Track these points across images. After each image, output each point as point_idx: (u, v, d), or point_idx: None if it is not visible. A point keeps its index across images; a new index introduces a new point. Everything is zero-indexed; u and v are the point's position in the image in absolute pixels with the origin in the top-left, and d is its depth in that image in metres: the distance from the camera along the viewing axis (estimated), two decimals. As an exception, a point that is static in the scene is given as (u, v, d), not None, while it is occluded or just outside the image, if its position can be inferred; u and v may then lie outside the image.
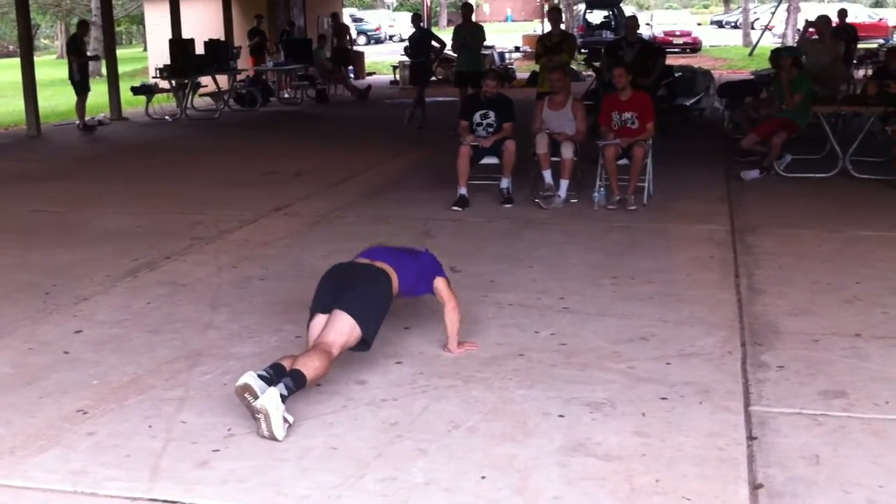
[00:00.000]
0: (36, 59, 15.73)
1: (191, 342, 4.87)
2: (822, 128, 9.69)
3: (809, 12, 22.84)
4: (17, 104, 16.23)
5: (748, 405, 3.97)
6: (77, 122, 15.03)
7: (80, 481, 3.42)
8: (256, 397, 3.70)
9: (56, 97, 20.23)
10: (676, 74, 14.53)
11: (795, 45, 17.49)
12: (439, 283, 4.64)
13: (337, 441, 3.70)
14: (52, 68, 31.24)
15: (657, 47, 14.39)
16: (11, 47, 49.61)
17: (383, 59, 29.25)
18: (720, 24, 47.20)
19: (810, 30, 13.43)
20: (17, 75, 15.32)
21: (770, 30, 32.53)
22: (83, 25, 16.18)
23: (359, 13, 44.11)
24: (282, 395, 3.73)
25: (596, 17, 33.21)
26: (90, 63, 15.75)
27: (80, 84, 14.76)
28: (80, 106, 14.84)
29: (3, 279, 6.16)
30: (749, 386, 4.17)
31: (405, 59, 17.45)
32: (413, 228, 7.40)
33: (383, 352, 4.63)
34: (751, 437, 3.68)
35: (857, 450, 3.58)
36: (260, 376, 3.82)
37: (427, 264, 4.70)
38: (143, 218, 8.00)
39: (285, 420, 3.73)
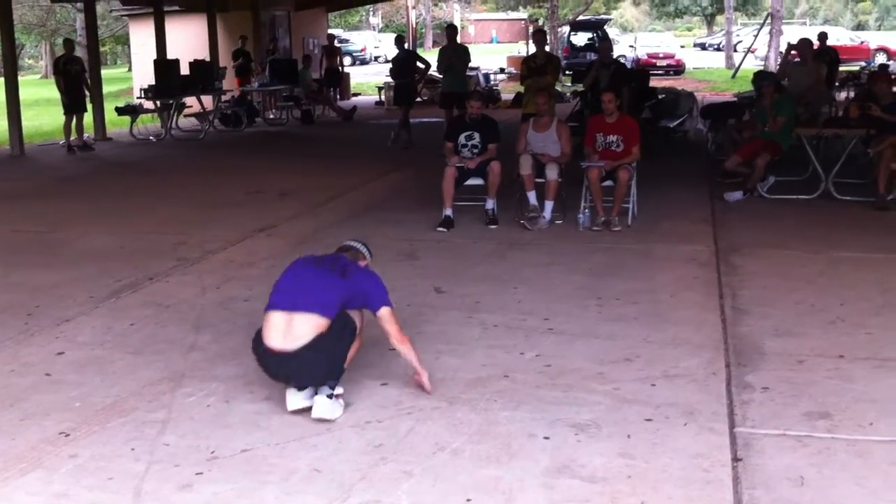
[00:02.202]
0: (20, 78, 15.67)
1: (174, 364, 4.84)
2: (804, 150, 9.76)
3: (791, 35, 23.06)
4: (1, 124, 16.17)
5: (733, 426, 3.98)
6: (61, 141, 14.99)
7: (62, 504, 3.39)
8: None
9: (40, 117, 20.19)
10: (660, 96, 14.63)
11: (778, 67, 17.64)
12: (383, 314, 4.27)
13: (321, 463, 3.68)
14: (36, 88, 31.18)
15: (632, 69, 14.45)
16: (-5, 67, 49.46)
17: (368, 80, 29.32)
18: (703, 47, 47.58)
19: (792, 52, 13.54)
20: (0, 95, 15.27)
21: (753, 52, 32.80)
22: (67, 44, 16.11)
23: (344, 34, 44.23)
24: (328, 396, 4.09)
25: (580, 39, 33.45)
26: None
27: (66, 104, 14.68)
28: (66, 126, 14.78)
29: (-15, 300, 6.12)
30: (734, 407, 4.18)
31: (390, 80, 17.48)
32: (398, 249, 7.40)
33: (368, 373, 4.61)
34: (736, 459, 3.68)
35: (842, 471, 3.59)
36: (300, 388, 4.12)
37: (364, 284, 4.28)
38: (127, 238, 7.97)
39: (336, 396, 4.14)
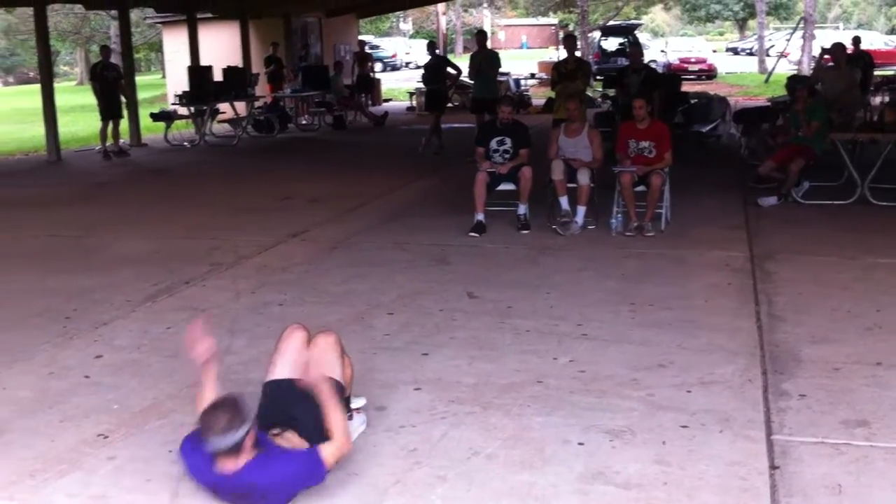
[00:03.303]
0: (56, 85, 15.86)
1: (210, 367, 4.87)
2: (839, 155, 9.67)
3: (825, 39, 22.88)
4: (38, 130, 16.38)
5: (770, 434, 3.95)
6: (97, 147, 15.17)
7: (101, 506, 3.43)
8: None
9: (75, 123, 20.43)
10: (692, 101, 14.55)
11: (811, 72, 17.49)
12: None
13: (356, 467, 3.69)
14: (71, 94, 31.55)
15: (663, 74, 14.36)
16: (31, 74, 50.17)
17: (400, 86, 29.41)
18: (735, 51, 47.27)
19: (826, 57, 13.44)
20: (37, 101, 15.48)
21: (786, 57, 32.56)
22: (104, 51, 16.32)
23: (375, 40, 44.41)
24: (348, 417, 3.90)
25: (611, 44, 33.32)
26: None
27: (102, 110, 14.85)
28: (102, 131, 14.95)
29: (23, 304, 6.20)
30: (770, 414, 4.15)
31: (421, 85, 17.54)
32: (430, 254, 7.42)
33: (402, 378, 4.63)
34: (773, 467, 3.66)
35: (880, 479, 3.55)
36: None
37: (285, 479, 3.39)
38: (162, 243, 8.05)
39: (356, 412, 4.04)
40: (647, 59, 21.55)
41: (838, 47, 12.31)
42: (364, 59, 21.89)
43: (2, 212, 10.11)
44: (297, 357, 3.82)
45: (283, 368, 3.80)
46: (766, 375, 4.63)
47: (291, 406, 3.64)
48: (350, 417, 3.97)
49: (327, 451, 3.41)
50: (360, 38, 26.66)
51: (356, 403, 4.12)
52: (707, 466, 3.65)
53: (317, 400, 3.55)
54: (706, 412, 4.16)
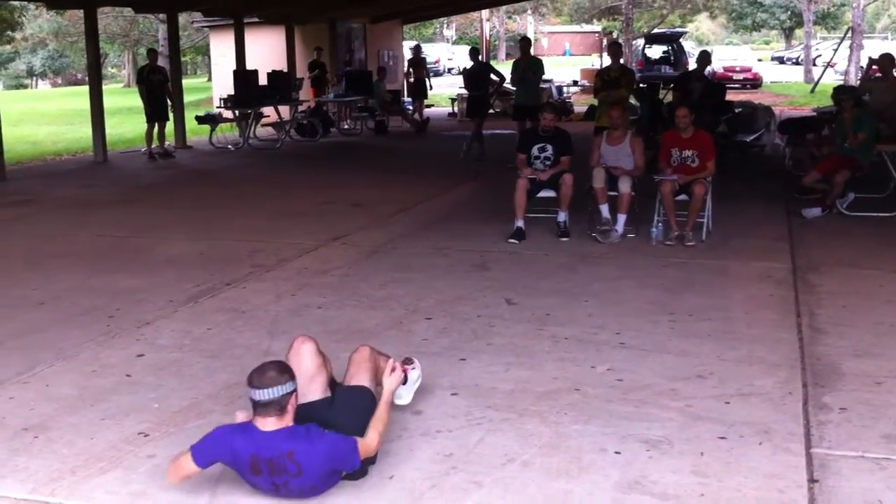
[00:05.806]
0: (103, 87, 16.11)
1: (249, 368, 4.86)
2: (885, 166, 9.54)
3: (873, 50, 22.56)
4: (85, 131, 16.64)
5: (809, 447, 3.90)
6: (143, 149, 15.38)
7: (140, 503, 3.47)
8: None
9: (123, 125, 20.72)
10: (737, 110, 14.42)
11: (858, 82, 17.26)
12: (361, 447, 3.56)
13: (392, 470, 3.71)
14: (118, 97, 31.99)
15: (707, 82, 14.14)
16: (80, 76, 51.06)
17: (442, 92, 29.45)
18: (781, 61, 46.85)
19: (873, 67, 13.25)
20: (84, 103, 15.72)
21: (832, 67, 32.18)
22: (150, 54, 16.56)
23: (418, 46, 44.60)
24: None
25: (655, 52, 33.16)
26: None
27: (148, 112, 15.06)
28: (148, 133, 15.17)
29: (68, 302, 6.31)
30: (810, 427, 4.10)
31: (463, 91, 17.56)
32: (469, 260, 7.43)
33: (439, 383, 4.64)
34: (812, 480, 3.62)
35: (922, 496, 3.50)
36: None
37: (323, 457, 3.43)
38: (205, 245, 8.14)
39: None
40: (691, 67, 21.48)
41: (886, 58, 12.14)
42: (420, 64, 21.72)
43: (49, 212, 10.30)
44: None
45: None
46: (807, 388, 4.58)
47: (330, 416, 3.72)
48: (404, 381, 4.16)
49: (361, 445, 3.53)
50: (417, 43, 26.53)
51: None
52: (745, 479, 3.62)
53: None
54: (745, 424, 4.13)
